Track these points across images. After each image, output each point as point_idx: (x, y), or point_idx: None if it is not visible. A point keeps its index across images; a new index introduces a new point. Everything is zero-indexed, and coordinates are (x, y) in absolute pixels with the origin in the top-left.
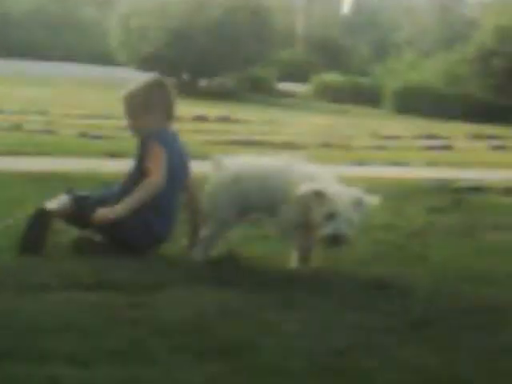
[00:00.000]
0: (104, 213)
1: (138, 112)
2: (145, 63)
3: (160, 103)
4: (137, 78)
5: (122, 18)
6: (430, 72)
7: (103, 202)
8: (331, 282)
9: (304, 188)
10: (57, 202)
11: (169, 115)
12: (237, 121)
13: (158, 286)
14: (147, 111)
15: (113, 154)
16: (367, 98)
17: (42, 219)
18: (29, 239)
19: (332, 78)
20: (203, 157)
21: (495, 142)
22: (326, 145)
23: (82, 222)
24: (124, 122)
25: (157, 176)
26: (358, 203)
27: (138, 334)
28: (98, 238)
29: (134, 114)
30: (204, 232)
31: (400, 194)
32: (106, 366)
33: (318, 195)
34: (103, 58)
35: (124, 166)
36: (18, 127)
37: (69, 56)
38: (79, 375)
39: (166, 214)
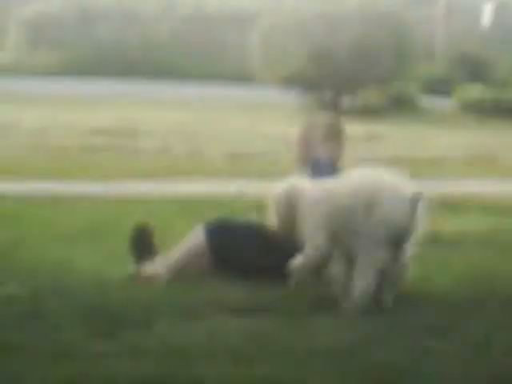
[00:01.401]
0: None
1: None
2: (286, 82)
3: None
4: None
5: (262, 37)
6: None
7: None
8: (483, 302)
9: None
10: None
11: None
12: (382, 138)
13: (310, 311)
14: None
15: (261, 175)
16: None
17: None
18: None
19: (475, 91)
20: None
21: None
22: (473, 160)
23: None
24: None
25: None
26: None
27: (293, 360)
28: None
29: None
30: None
31: None
32: None
33: None
34: (245, 78)
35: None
36: (164, 151)
37: (210, 77)
38: None
39: None
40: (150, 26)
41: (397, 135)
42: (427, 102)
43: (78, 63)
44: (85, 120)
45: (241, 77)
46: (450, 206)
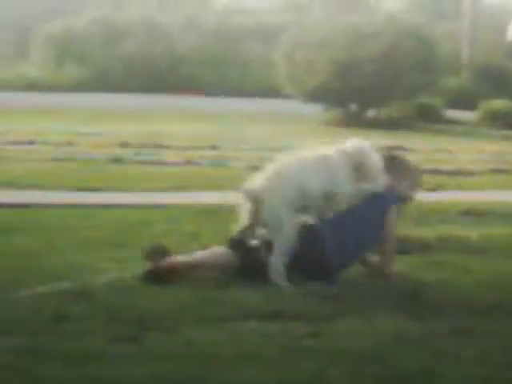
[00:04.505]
0: None
1: None
2: (312, 95)
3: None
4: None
5: (287, 51)
6: None
7: None
8: (506, 307)
9: None
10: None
11: None
12: (407, 150)
13: (333, 314)
14: None
15: None
16: None
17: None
18: None
19: (500, 104)
20: None
21: None
22: (498, 171)
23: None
24: None
25: None
26: None
27: (317, 363)
28: None
29: None
30: None
31: None
32: None
33: None
34: (269, 92)
35: None
36: (188, 162)
37: (234, 91)
38: None
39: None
40: (174, 40)
41: (422, 147)
42: (452, 114)
43: (104, 78)
44: (111, 133)
45: (265, 90)
46: (474, 215)
